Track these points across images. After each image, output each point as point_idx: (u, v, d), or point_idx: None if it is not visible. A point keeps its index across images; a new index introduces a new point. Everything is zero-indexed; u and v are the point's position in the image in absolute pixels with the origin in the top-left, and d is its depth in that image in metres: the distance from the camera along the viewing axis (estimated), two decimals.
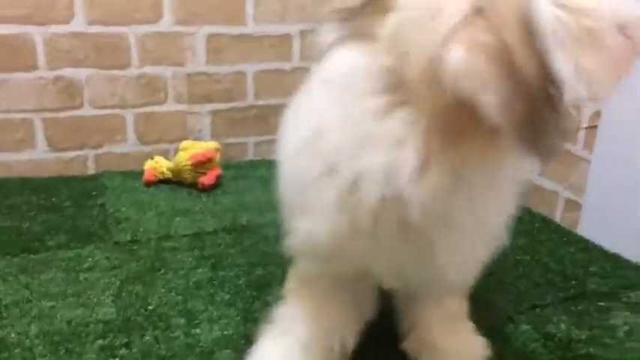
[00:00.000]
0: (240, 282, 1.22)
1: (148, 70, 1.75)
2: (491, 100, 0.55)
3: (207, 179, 1.67)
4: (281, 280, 1.21)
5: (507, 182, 0.76)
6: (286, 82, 1.92)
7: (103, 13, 1.65)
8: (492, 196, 0.74)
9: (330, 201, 0.73)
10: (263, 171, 1.87)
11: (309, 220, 0.78)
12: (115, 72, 1.72)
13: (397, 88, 0.66)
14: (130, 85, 1.75)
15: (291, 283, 1.00)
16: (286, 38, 1.87)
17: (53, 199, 1.57)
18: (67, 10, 1.62)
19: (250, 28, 1.83)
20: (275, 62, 1.89)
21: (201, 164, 1.67)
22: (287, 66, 1.90)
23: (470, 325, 1.00)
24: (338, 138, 0.71)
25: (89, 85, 1.71)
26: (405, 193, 0.67)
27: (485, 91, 0.55)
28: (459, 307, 0.98)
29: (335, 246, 0.77)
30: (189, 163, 1.66)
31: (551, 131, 0.57)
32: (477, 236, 0.77)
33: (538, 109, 0.55)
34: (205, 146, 1.70)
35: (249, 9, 1.80)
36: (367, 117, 0.68)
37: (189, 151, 1.68)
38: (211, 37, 1.79)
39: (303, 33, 1.89)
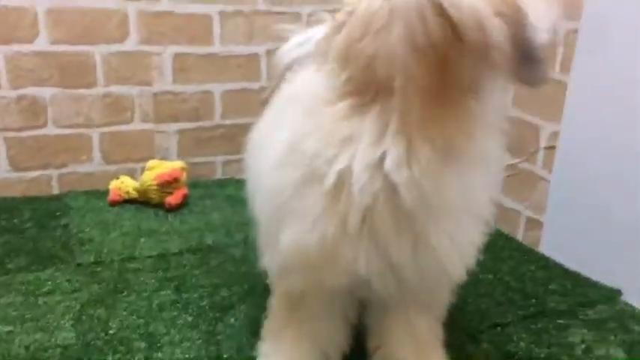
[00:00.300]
0: (204, 304, 1.21)
1: (114, 89, 1.74)
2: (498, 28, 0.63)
3: (173, 199, 1.66)
4: (245, 300, 1.21)
5: (490, 160, 0.79)
6: (253, 101, 1.92)
7: (68, 32, 1.64)
8: (479, 173, 0.76)
9: (316, 206, 0.75)
10: (231, 190, 1.87)
11: (295, 229, 0.78)
12: (81, 91, 1.71)
13: (360, 91, 0.70)
14: (96, 104, 1.74)
15: (275, 314, 0.96)
16: (253, 58, 1.88)
17: (15, 220, 1.54)
18: (31, 28, 1.60)
19: (217, 47, 1.83)
20: (242, 82, 1.89)
21: (168, 184, 1.67)
22: (254, 85, 1.91)
23: (441, 352, 0.99)
24: (314, 146, 0.73)
25: (53, 104, 1.69)
26: (395, 180, 0.70)
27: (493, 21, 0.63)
28: (429, 329, 0.97)
29: (325, 252, 0.77)
30: (155, 182, 1.65)
31: (535, 62, 0.67)
32: (470, 217, 0.79)
33: (523, 46, 0.65)
34: (171, 166, 1.69)
35: (216, 29, 1.81)
36: (338, 121, 0.72)
37: (155, 170, 1.67)
38: (178, 57, 1.79)
39: (270, 52, 1.90)
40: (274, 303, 0.96)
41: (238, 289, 1.27)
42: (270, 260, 0.91)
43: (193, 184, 1.84)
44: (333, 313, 0.93)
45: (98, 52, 1.69)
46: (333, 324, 0.94)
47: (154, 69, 1.77)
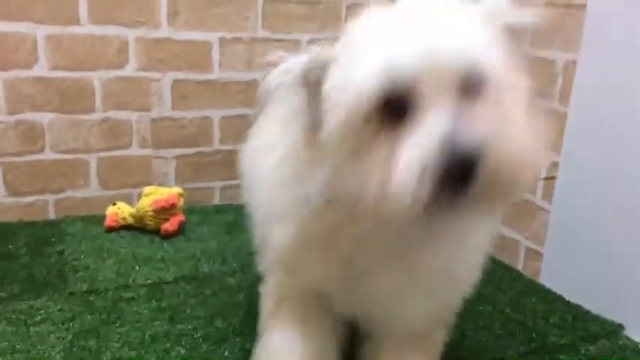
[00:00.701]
0: (198, 335, 1.19)
1: (113, 114, 1.74)
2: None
3: (169, 225, 1.65)
4: (241, 332, 1.19)
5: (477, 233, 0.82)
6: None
7: (67, 58, 1.65)
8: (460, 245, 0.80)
9: (291, 209, 0.82)
10: (229, 216, 1.86)
11: (284, 228, 0.85)
12: (79, 116, 1.71)
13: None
14: (94, 129, 1.73)
15: (270, 308, 1.00)
16: (252, 84, 1.88)
17: (10, 246, 1.52)
18: (30, 54, 1.61)
19: (216, 74, 1.83)
20: (241, 108, 1.89)
21: (164, 210, 1.65)
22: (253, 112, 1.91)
23: None
24: (294, 163, 0.79)
25: (51, 129, 1.68)
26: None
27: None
28: None
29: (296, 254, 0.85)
30: (152, 209, 1.64)
31: None
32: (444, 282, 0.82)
33: None
34: (168, 192, 1.68)
35: (216, 56, 1.81)
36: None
37: (152, 196, 1.66)
38: (177, 83, 1.79)
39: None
40: (264, 301, 1.01)
41: (234, 320, 1.25)
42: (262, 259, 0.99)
43: (190, 210, 1.82)
44: (322, 324, 0.94)
45: (97, 77, 1.70)
46: (323, 334, 0.95)
47: (153, 95, 1.77)
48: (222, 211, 1.90)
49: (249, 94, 1.89)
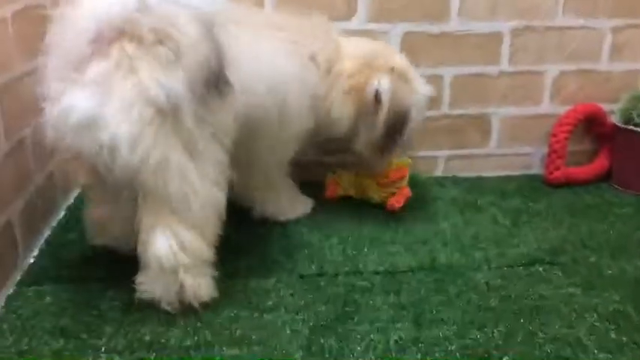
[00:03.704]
0: (453, 347, 0.98)
1: None
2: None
3: (396, 201, 1.45)
4: (504, 349, 0.95)
5: None
6: (490, 89, 1.63)
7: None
8: None
9: None
10: (453, 190, 1.62)
11: None
12: None
13: None
14: None
15: None
16: (495, 37, 1.58)
17: None
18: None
19: (453, 25, 1.56)
20: (479, 65, 1.60)
21: (391, 183, 1.46)
22: (493, 70, 1.61)
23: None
24: None
25: None
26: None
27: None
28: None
29: None
30: (377, 181, 1.46)
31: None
32: None
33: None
34: (396, 162, 1.47)
35: (454, 2, 1.54)
36: None
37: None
38: (407, 36, 1.55)
39: (515, 32, 1.59)
40: None
41: (493, 332, 1.01)
42: None
43: (411, 182, 1.61)
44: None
45: None
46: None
47: None
48: (447, 184, 1.66)
49: (490, 49, 1.59)
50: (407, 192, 1.48)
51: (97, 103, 0.89)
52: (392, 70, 1.32)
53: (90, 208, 1.18)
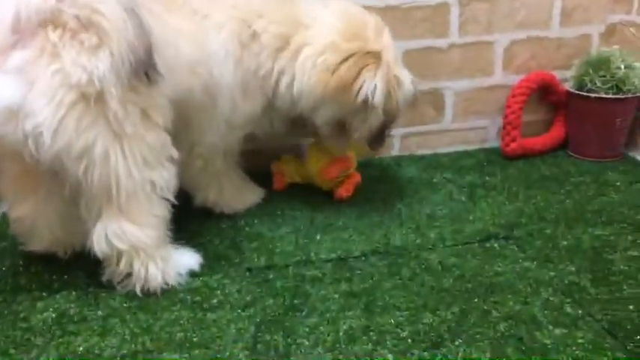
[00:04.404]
0: (405, 334, 0.94)
1: None
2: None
3: (344, 191, 1.39)
4: (458, 333, 0.91)
5: None
6: (441, 62, 1.58)
7: None
8: None
9: None
10: (411, 169, 1.58)
11: None
12: None
13: None
14: None
15: None
16: (443, 8, 1.53)
17: None
18: None
19: None
20: (429, 39, 1.56)
21: (335, 178, 1.39)
22: (442, 43, 1.57)
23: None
24: None
25: None
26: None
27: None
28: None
29: None
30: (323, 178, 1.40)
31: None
32: None
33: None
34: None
35: None
36: None
37: (321, 156, 1.40)
38: None
39: (463, 1, 1.54)
40: None
41: (446, 315, 0.98)
42: None
43: (366, 163, 1.57)
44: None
45: None
46: None
47: None
48: (401, 163, 1.62)
49: (438, 21, 1.54)
50: (356, 179, 1.43)
51: (20, 90, 0.88)
52: (380, 61, 1.19)
53: (11, 210, 1.12)
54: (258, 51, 1.21)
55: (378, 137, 1.29)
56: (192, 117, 1.14)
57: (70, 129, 0.90)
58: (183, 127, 1.11)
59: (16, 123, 0.89)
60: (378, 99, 1.19)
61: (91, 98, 0.90)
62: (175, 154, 1.05)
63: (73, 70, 0.89)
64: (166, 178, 1.03)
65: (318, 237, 1.24)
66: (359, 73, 1.18)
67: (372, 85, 1.18)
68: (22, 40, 0.89)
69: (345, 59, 1.18)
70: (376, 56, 1.20)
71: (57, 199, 1.06)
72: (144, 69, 0.93)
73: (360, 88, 1.18)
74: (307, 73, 1.20)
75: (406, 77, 1.26)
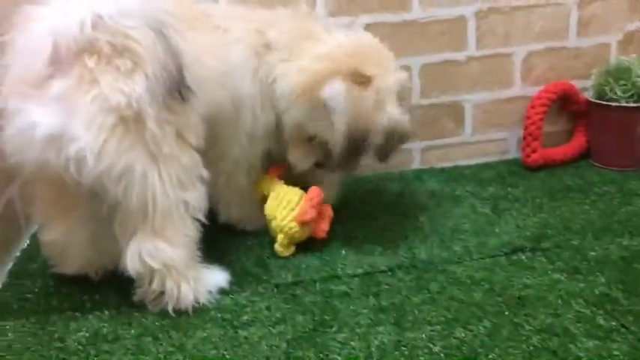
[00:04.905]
0: (437, 349, 0.93)
1: None
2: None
3: (321, 230, 1.26)
4: (491, 346, 0.91)
5: None
6: (460, 75, 1.59)
7: None
8: None
9: None
10: (433, 184, 1.58)
11: None
12: None
13: None
14: None
15: None
16: (460, 22, 1.54)
17: None
18: None
19: (415, 13, 1.52)
20: (446, 52, 1.57)
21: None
22: (460, 56, 1.58)
23: None
24: None
25: None
26: None
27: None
28: None
29: None
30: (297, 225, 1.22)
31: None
32: None
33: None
34: (294, 192, 1.26)
35: None
36: None
37: (285, 202, 1.23)
38: (369, 28, 1.51)
39: (480, 14, 1.55)
40: None
41: (479, 329, 0.97)
42: None
43: (387, 177, 1.58)
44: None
45: None
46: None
47: None
48: (422, 177, 1.62)
49: (455, 35, 1.55)
50: (329, 212, 1.29)
51: (62, 118, 0.91)
52: (359, 76, 1.15)
53: (44, 233, 1.13)
54: (269, 60, 1.22)
55: (348, 158, 1.20)
56: (219, 132, 1.16)
57: (111, 151, 0.93)
58: (210, 144, 1.12)
59: (59, 148, 0.91)
60: (336, 103, 1.14)
61: (130, 120, 0.93)
62: (206, 174, 1.06)
63: (112, 95, 0.91)
64: (198, 198, 1.04)
65: (342, 252, 1.25)
66: (329, 76, 1.15)
67: (336, 89, 1.14)
68: (60, 69, 0.92)
69: (328, 63, 1.16)
70: (363, 77, 1.16)
71: (89, 221, 1.07)
72: (177, 88, 0.96)
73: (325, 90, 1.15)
74: (290, 75, 1.19)
75: (394, 111, 1.18)
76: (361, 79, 1.16)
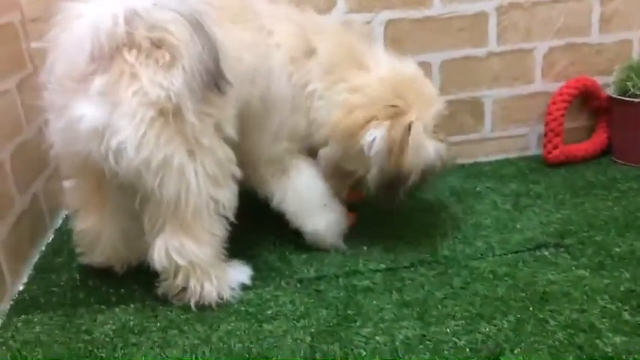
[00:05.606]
0: (462, 343, 0.93)
1: None
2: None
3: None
4: (516, 342, 0.91)
5: None
6: (480, 71, 1.59)
7: None
8: None
9: None
10: (453, 180, 1.57)
11: None
12: None
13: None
14: None
15: None
16: (481, 17, 1.54)
17: None
18: None
19: (436, 9, 1.52)
20: (467, 48, 1.56)
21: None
22: (481, 52, 1.57)
23: None
24: None
25: None
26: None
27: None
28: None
29: None
30: None
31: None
32: None
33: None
34: None
35: None
36: None
37: None
38: (390, 24, 1.51)
39: (501, 9, 1.54)
40: None
41: (502, 323, 0.97)
42: None
43: None
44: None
45: None
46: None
47: None
48: (443, 173, 1.61)
49: (476, 31, 1.55)
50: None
51: (105, 112, 0.93)
52: (398, 114, 1.14)
53: (78, 222, 1.16)
54: (310, 67, 1.20)
55: (388, 195, 1.20)
56: (245, 128, 1.15)
57: (150, 144, 0.94)
58: (239, 140, 1.12)
59: (101, 141, 0.94)
60: (374, 150, 1.15)
61: (169, 113, 0.95)
62: (238, 172, 1.07)
63: (151, 89, 0.93)
64: (229, 197, 1.05)
65: (365, 248, 1.25)
66: (368, 122, 1.15)
67: (373, 136, 1.15)
68: (101, 65, 0.94)
69: (367, 106, 1.16)
70: (399, 114, 1.15)
71: (122, 215, 1.10)
72: (214, 80, 0.97)
73: (364, 137, 1.15)
74: (331, 106, 1.19)
75: (430, 145, 1.17)
76: (400, 118, 1.15)
